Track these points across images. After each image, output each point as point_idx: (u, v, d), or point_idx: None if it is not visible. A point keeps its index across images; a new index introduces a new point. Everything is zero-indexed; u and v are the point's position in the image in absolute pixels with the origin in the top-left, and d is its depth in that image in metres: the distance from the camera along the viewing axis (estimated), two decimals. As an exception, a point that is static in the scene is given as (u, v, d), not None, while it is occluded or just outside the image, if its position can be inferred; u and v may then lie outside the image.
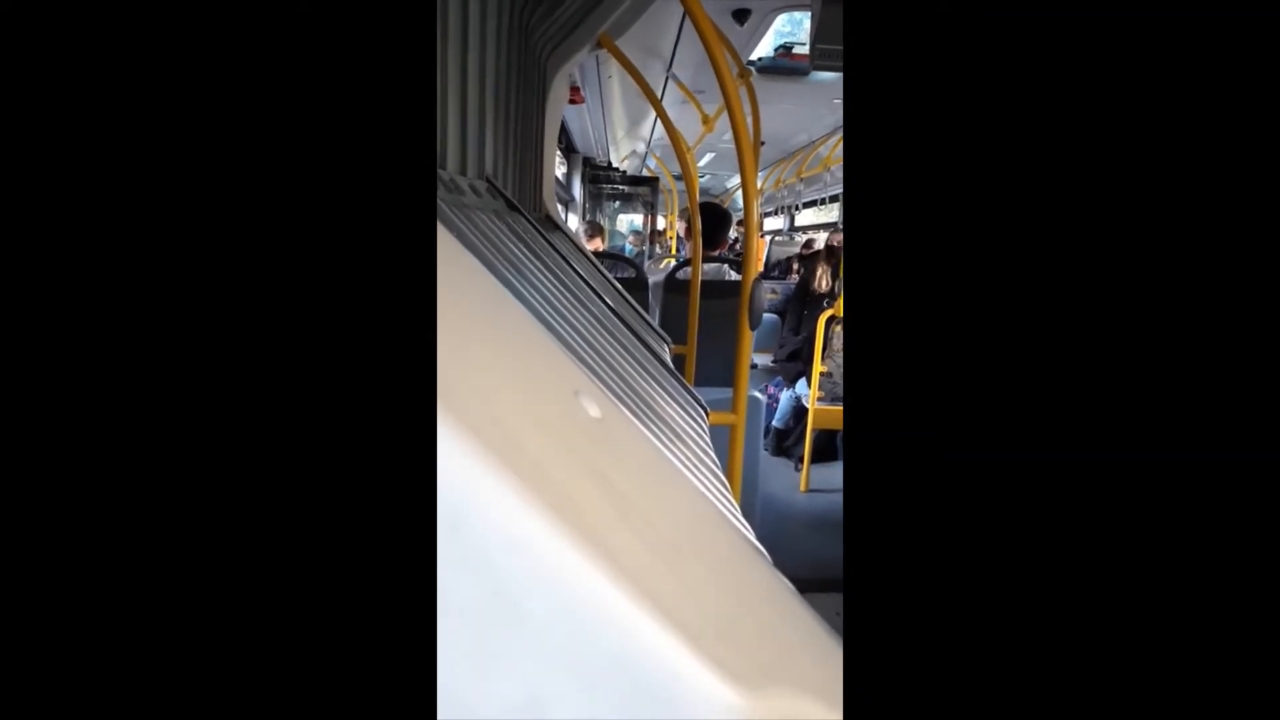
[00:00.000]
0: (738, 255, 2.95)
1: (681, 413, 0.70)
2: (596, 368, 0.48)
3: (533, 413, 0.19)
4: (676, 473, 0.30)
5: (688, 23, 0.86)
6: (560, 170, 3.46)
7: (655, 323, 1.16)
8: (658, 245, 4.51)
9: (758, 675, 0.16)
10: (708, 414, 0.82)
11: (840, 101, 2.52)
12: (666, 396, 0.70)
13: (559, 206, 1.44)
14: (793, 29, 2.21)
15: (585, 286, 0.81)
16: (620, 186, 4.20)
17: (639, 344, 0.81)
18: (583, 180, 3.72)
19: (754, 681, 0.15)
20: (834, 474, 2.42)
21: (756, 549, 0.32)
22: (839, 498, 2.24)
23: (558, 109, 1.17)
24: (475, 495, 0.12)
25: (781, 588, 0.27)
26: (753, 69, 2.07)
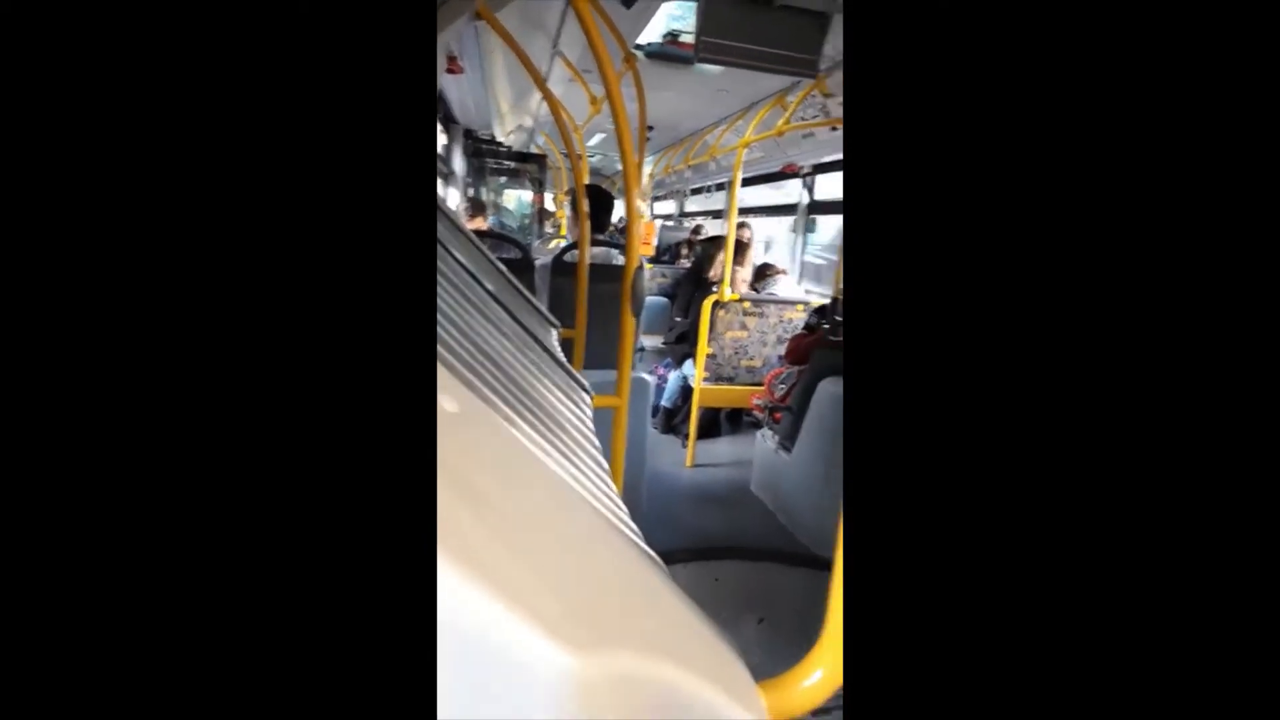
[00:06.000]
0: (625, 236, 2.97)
1: (563, 398, 0.72)
2: (471, 359, 0.49)
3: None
4: (532, 459, 0.32)
5: None
6: (439, 142, 3.27)
7: (544, 306, 1.16)
8: (547, 225, 4.43)
9: (593, 639, 0.18)
10: (592, 398, 0.84)
11: (725, 92, 2.61)
12: (548, 383, 0.71)
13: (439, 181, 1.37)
14: (685, 14, 2.24)
15: (463, 272, 0.79)
16: (506, 162, 4.06)
17: (521, 330, 0.81)
18: (464, 154, 3.55)
19: (588, 644, 0.18)
20: (716, 449, 2.57)
21: (615, 524, 0.35)
22: (720, 471, 2.38)
23: (433, 80, 1.11)
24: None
25: (634, 556, 0.30)
26: (640, 53, 2.09)
